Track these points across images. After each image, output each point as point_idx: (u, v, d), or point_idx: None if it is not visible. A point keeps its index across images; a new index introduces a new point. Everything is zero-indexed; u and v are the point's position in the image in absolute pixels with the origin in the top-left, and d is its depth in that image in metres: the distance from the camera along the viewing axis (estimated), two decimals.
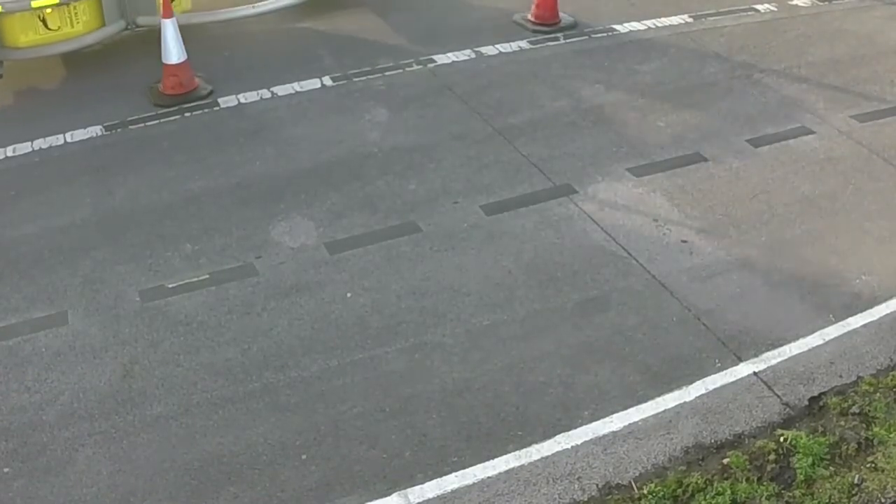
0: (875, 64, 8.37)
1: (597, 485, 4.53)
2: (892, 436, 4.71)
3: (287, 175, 6.82)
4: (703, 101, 7.78)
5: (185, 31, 7.92)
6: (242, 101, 7.79)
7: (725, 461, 4.61)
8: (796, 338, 5.36)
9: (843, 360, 5.23)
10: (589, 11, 9.32)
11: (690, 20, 9.21)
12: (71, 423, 4.85)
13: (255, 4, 8.31)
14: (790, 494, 4.46)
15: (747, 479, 4.51)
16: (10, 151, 7.16)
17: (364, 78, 8.12)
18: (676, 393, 5.01)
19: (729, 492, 4.44)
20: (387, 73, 8.19)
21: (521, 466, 4.61)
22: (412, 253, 6.03)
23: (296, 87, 7.99)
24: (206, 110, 7.67)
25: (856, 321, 5.48)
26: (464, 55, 8.50)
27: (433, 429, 4.81)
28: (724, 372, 5.14)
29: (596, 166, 6.90)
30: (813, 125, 7.43)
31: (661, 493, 4.44)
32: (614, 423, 4.84)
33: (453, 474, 4.57)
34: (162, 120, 7.53)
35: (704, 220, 6.34)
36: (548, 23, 9.00)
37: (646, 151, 7.09)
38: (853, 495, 4.45)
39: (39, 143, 7.23)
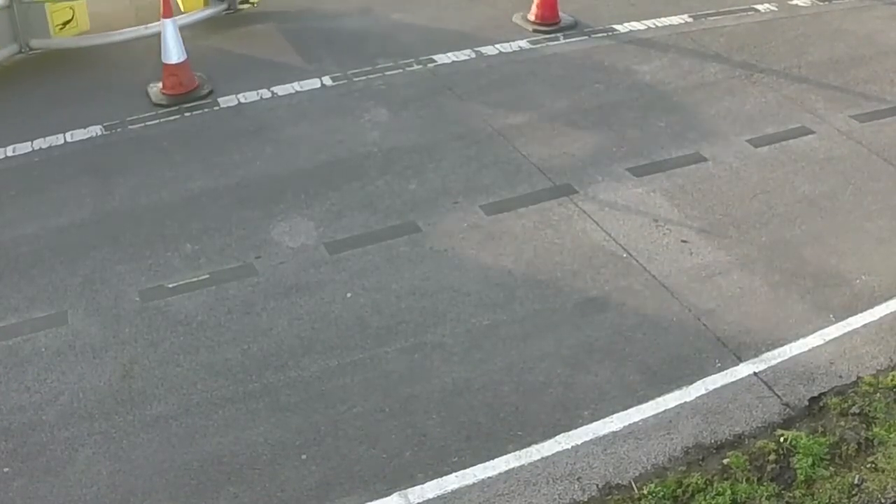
0: (875, 64, 8.38)
1: (597, 485, 4.53)
2: (892, 436, 4.71)
3: (287, 175, 6.82)
4: (703, 101, 7.78)
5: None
6: (242, 100, 7.79)
7: (725, 461, 4.61)
8: (796, 338, 5.37)
9: (843, 360, 5.23)
10: (589, 11, 9.33)
11: (690, 20, 9.22)
12: (71, 423, 4.85)
13: (148, 25, 8.31)
14: (790, 495, 4.46)
15: (747, 480, 4.51)
16: (10, 151, 7.16)
17: (364, 78, 8.12)
18: (676, 393, 5.01)
19: (729, 492, 4.44)
20: (387, 73, 8.19)
21: (521, 466, 4.61)
22: (412, 253, 6.03)
23: (296, 87, 7.99)
24: (206, 110, 7.67)
25: (856, 321, 5.48)
26: (464, 55, 8.51)
27: (433, 429, 4.81)
28: (724, 372, 5.14)
29: (596, 166, 6.90)
30: (813, 125, 7.43)
31: (661, 493, 4.45)
32: (614, 423, 4.84)
33: (453, 474, 4.57)
34: (162, 120, 7.53)
35: (704, 220, 6.34)
36: (548, 23, 9.00)
37: (646, 151, 7.10)
38: (853, 496, 4.45)
39: (39, 143, 7.23)
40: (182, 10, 8.66)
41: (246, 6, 9.04)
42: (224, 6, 8.89)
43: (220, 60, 8.36)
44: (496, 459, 4.64)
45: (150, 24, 8.31)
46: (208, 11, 8.80)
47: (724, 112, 7.63)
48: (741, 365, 5.18)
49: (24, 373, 5.15)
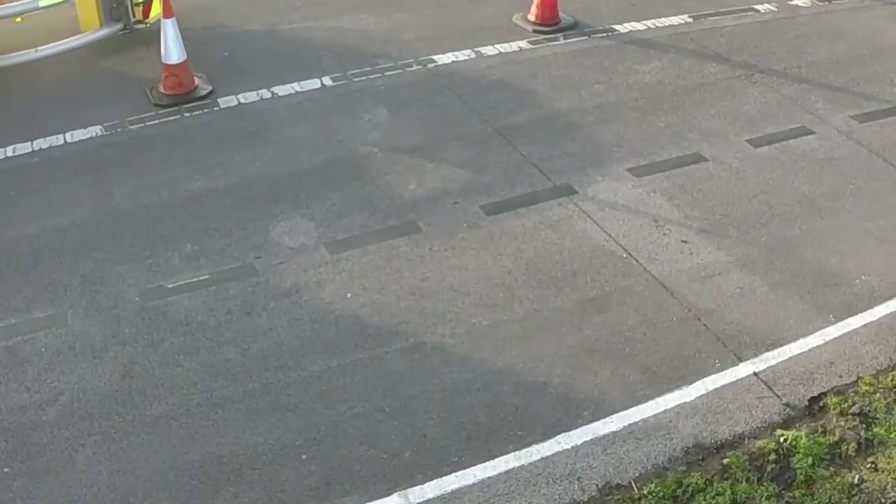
0: (875, 64, 8.37)
1: (597, 485, 4.53)
2: (892, 436, 4.72)
3: (287, 175, 6.82)
4: (703, 101, 7.78)
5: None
6: (242, 101, 7.79)
7: (725, 461, 4.61)
8: (796, 338, 5.37)
9: (843, 360, 5.23)
10: (589, 11, 9.32)
11: (690, 20, 9.21)
12: (71, 423, 4.85)
13: (38, 49, 8.25)
14: (790, 495, 4.46)
15: (747, 480, 4.51)
16: (10, 151, 7.16)
17: (364, 78, 8.12)
18: (676, 393, 5.01)
19: (729, 492, 4.44)
20: (387, 73, 8.19)
21: (521, 466, 4.61)
22: (412, 253, 6.03)
23: (296, 87, 7.99)
24: (205, 110, 7.67)
25: (856, 321, 5.48)
26: (464, 55, 8.50)
27: (433, 429, 4.81)
28: (724, 372, 5.14)
29: (596, 166, 6.90)
30: (813, 125, 7.43)
31: (661, 493, 4.45)
32: (614, 423, 4.84)
33: (453, 474, 4.57)
34: (162, 120, 7.53)
35: (704, 220, 6.34)
36: (548, 23, 8.99)
37: (646, 151, 7.09)
38: (853, 495, 4.45)
39: (39, 143, 7.23)
40: (81, 29, 8.61)
41: (141, 26, 8.89)
42: (120, 26, 8.75)
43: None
44: (496, 459, 4.64)
45: (39, 48, 8.23)
46: (104, 31, 8.60)
47: (724, 112, 7.63)
48: (741, 365, 5.18)
49: (24, 373, 5.15)
